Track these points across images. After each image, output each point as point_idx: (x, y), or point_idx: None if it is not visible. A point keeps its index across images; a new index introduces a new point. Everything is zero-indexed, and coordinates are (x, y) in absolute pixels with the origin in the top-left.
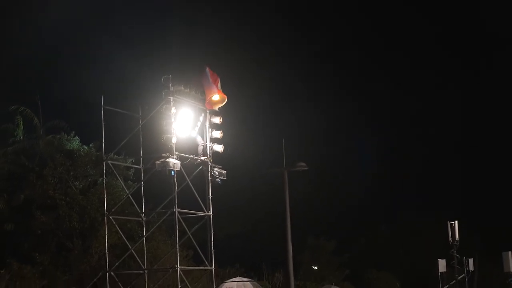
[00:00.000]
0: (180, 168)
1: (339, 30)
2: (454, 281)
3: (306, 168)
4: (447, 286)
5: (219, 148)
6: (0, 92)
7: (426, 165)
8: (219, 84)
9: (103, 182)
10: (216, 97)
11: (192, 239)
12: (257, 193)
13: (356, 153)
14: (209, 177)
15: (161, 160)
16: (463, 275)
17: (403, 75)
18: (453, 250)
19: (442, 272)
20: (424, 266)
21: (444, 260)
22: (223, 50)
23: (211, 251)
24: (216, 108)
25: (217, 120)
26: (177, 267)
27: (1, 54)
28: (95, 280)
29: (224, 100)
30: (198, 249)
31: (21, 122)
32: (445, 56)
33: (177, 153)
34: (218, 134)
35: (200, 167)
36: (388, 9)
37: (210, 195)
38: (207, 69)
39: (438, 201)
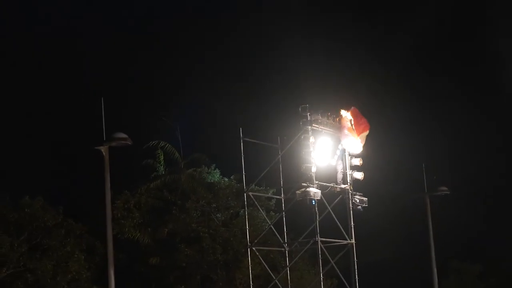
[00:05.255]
0: (320, 197)
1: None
2: None
3: (448, 192)
4: None
5: (359, 175)
6: (142, 127)
7: None
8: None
9: (245, 214)
10: (365, 134)
11: (336, 268)
12: (399, 219)
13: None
14: (350, 205)
15: (301, 190)
16: None
17: None
18: None
19: None
20: None
21: None
22: (360, 77)
23: (355, 280)
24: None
25: None
26: None
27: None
28: None
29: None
30: (342, 277)
31: (162, 156)
32: None
33: (317, 182)
34: (357, 161)
35: (341, 195)
36: None
37: (352, 223)
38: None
39: None
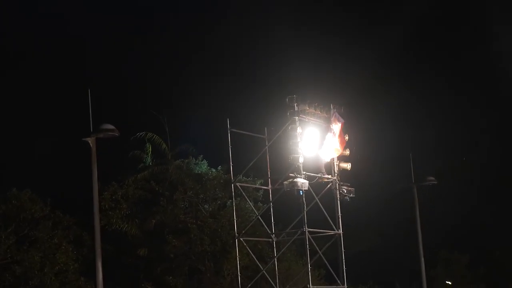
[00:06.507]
0: (308, 187)
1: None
2: None
3: (435, 182)
4: None
5: (346, 165)
6: (129, 119)
7: None
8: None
9: (233, 205)
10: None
11: (323, 258)
12: (387, 209)
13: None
14: (338, 195)
15: (289, 181)
16: None
17: None
18: None
19: None
20: None
21: None
22: (349, 69)
23: (343, 270)
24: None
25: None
26: (310, 287)
27: (127, 84)
28: None
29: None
30: (329, 267)
31: (150, 148)
32: None
33: (304, 172)
34: (345, 151)
35: (328, 185)
36: None
37: (340, 213)
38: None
39: None
